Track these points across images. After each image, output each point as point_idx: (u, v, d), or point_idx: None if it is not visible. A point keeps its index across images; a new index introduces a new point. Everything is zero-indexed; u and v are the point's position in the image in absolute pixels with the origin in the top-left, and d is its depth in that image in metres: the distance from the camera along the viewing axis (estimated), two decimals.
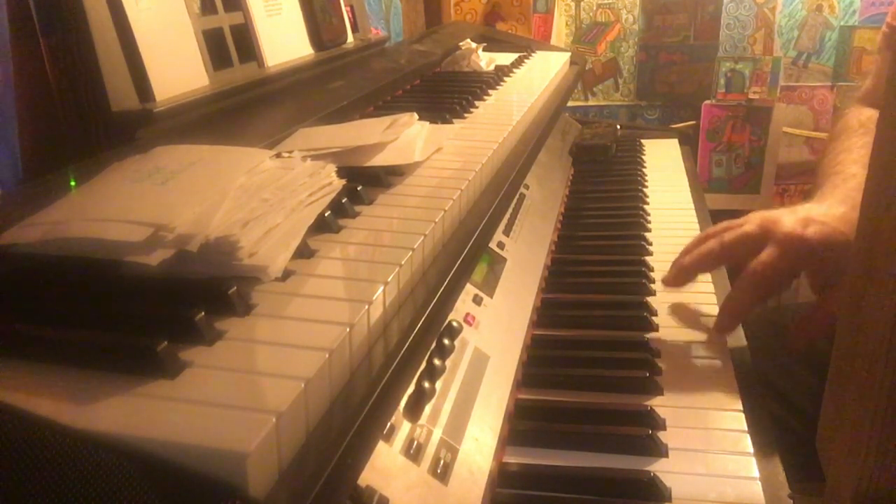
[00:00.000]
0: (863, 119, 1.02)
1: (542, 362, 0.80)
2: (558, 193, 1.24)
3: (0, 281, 0.47)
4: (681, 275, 0.87)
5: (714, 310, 0.87)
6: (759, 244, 0.80)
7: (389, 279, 0.50)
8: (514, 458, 0.66)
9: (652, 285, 0.95)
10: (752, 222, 0.83)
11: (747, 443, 0.67)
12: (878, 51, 1.14)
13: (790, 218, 0.81)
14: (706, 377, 0.77)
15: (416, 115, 0.82)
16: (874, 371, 0.46)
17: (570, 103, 1.95)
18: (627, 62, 2.47)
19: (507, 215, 0.95)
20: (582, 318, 0.89)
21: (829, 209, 0.83)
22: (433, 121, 0.87)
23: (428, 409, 0.59)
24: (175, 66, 0.81)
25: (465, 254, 0.62)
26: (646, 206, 1.22)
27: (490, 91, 1.13)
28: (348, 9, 1.27)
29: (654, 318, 0.88)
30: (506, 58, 1.41)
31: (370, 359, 0.46)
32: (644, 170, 1.41)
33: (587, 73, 2.44)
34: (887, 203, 0.46)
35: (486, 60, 1.33)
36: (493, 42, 1.60)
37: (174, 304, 0.43)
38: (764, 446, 0.67)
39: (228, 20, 0.93)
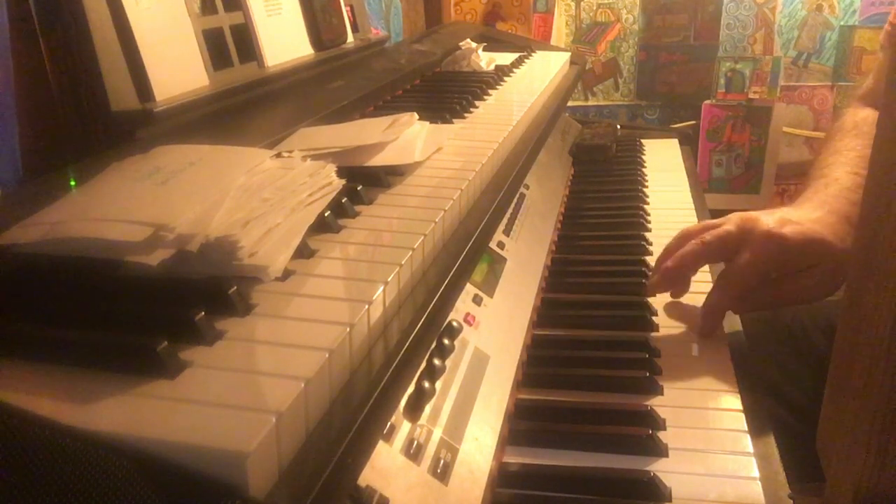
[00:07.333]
0: (858, 119, 1.01)
1: (542, 362, 0.80)
2: (558, 193, 1.24)
3: (0, 281, 0.47)
4: (665, 279, 0.88)
5: None
6: (739, 243, 0.83)
7: (389, 279, 0.50)
8: (514, 458, 0.66)
9: None
10: (731, 222, 0.85)
11: (747, 443, 0.67)
12: (881, 48, 1.14)
13: (768, 218, 0.84)
14: (706, 377, 0.77)
15: (416, 115, 0.82)
16: (874, 371, 0.46)
17: (570, 103, 1.95)
18: (627, 62, 2.47)
19: (507, 215, 0.95)
20: (582, 318, 0.89)
21: (806, 213, 0.86)
22: (433, 121, 0.87)
23: (428, 409, 0.59)
24: (175, 65, 0.81)
25: (465, 254, 0.62)
26: (646, 206, 1.22)
27: (490, 91, 1.13)
28: (348, 9, 1.27)
29: (654, 317, 0.88)
30: (506, 58, 1.40)
31: (370, 359, 0.46)
32: (644, 170, 1.41)
33: (587, 73, 2.45)
34: (887, 203, 0.46)
35: (486, 60, 1.33)
36: (493, 42, 1.60)
37: (174, 304, 0.43)
38: (764, 446, 0.67)
39: (228, 20, 0.93)
